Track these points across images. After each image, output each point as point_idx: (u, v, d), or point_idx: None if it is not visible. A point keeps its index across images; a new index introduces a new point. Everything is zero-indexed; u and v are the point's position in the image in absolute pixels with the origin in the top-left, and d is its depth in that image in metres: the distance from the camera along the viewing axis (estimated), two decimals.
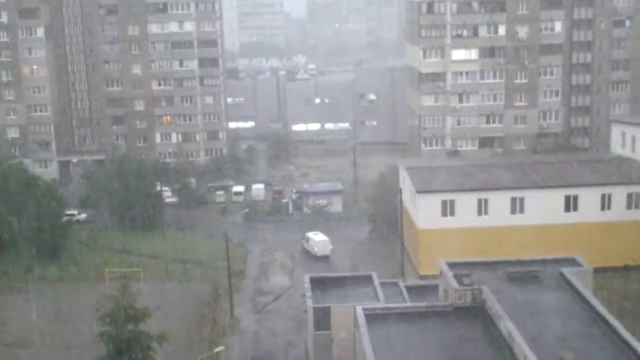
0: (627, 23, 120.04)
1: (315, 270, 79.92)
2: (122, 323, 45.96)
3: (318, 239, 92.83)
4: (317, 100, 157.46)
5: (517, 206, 76.45)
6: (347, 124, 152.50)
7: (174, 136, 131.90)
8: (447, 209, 76.28)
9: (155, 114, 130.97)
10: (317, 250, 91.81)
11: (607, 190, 76.42)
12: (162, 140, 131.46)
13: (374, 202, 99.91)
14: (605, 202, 76.39)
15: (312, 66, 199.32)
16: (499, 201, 76.31)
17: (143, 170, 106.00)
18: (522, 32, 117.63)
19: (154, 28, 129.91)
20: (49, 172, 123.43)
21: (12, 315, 73.50)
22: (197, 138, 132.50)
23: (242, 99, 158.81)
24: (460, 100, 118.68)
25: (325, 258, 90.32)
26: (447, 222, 75.92)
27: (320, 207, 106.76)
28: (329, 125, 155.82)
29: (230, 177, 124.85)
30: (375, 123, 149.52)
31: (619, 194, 76.28)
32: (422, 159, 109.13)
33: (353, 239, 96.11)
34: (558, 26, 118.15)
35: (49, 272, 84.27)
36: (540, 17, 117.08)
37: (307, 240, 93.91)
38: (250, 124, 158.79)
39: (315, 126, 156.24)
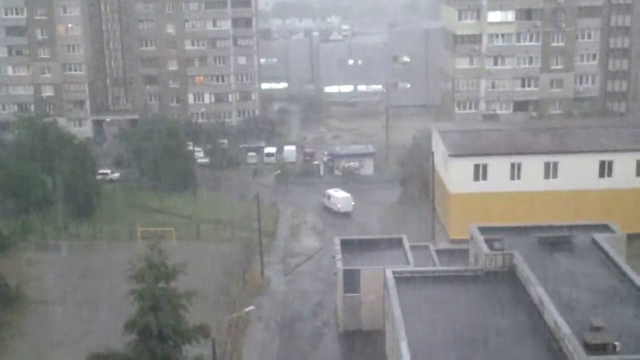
0: None
1: (346, 232, 79.88)
2: (154, 281, 46.36)
3: (340, 196, 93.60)
4: (350, 62, 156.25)
5: (550, 171, 75.66)
6: (380, 86, 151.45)
7: (206, 97, 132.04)
8: (480, 173, 75.73)
9: (188, 74, 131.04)
10: (340, 207, 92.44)
11: None
12: (194, 100, 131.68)
13: (406, 165, 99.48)
14: None
15: (345, 27, 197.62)
16: (532, 166, 75.56)
17: (175, 130, 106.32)
18: None
19: None
20: (83, 131, 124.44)
21: (47, 272, 74.56)
22: (230, 99, 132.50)
23: (274, 60, 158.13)
24: (496, 63, 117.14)
25: (353, 219, 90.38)
26: (479, 186, 75.40)
27: (352, 170, 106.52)
28: (362, 87, 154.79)
29: (262, 139, 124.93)
30: (408, 85, 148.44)
31: None
32: (456, 123, 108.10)
33: (384, 201, 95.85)
34: None
35: (83, 231, 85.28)
36: None
37: (329, 197, 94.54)
38: (282, 85, 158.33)
39: (348, 88, 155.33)
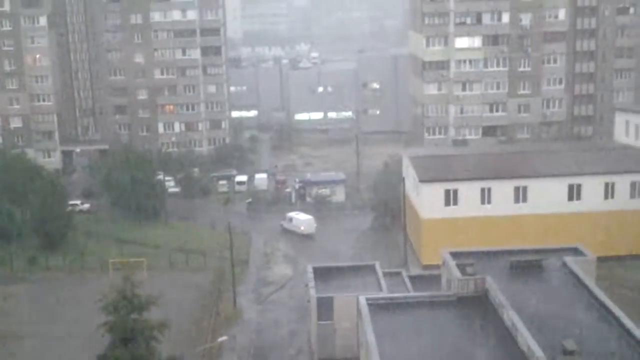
0: (632, 10, 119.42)
1: (319, 259, 79.87)
2: (126, 312, 45.99)
3: (303, 218, 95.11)
4: (320, 89, 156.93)
5: (520, 195, 76.31)
6: (350, 113, 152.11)
7: (176, 125, 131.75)
8: (450, 198, 76.18)
9: (158, 103, 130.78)
10: (304, 229, 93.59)
11: (610, 179, 76.21)
12: (165, 129, 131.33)
13: (377, 191, 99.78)
14: (609, 191, 76.19)
15: (315, 54, 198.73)
16: (502, 190, 76.17)
17: (146, 160, 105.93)
18: (526, 19, 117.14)
19: (156, 16, 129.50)
20: (52, 161, 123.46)
21: (16, 306, 73.55)
22: (200, 127, 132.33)
23: (244, 87, 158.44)
24: (464, 89, 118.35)
25: (325, 246, 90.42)
26: (450, 211, 75.82)
27: (323, 197, 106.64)
28: (332, 114, 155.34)
29: (233, 167, 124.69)
30: (378, 112, 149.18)
31: (623, 183, 76.08)
32: (425, 148, 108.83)
33: (356, 228, 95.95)
34: (562, 13, 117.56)
35: (53, 262, 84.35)
36: (544, 4, 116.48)
37: (290, 220, 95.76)
38: (253, 113, 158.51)
39: (318, 115, 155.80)
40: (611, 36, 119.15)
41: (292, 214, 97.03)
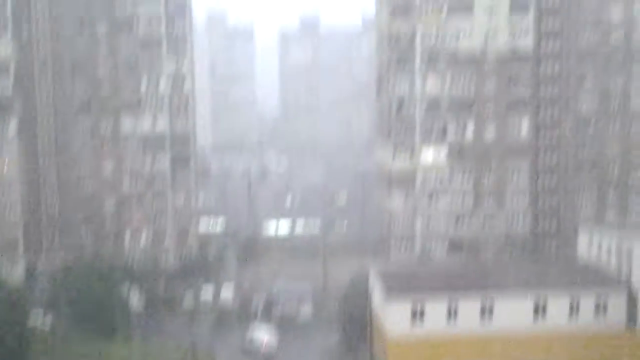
0: (592, 125, 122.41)
1: None
2: None
3: (263, 338, 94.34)
4: (288, 198, 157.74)
5: (486, 313, 76.01)
6: (317, 222, 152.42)
7: (143, 235, 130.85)
8: (417, 315, 75.71)
9: (125, 212, 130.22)
10: (264, 349, 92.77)
11: (574, 296, 76.29)
12: (131, 240, 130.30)
13: (344, 306, 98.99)
14: (574, 309, 76.21)
15: (283, 165, 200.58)
16: (469, 307, 75.83)
17: (110, 273, 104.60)
18: (490, 133, 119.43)
19: (126, 125, 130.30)
20: (14, 274, 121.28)
21: None
22: (167, 238, 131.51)
23: (213, 197, 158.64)
24: (430, 201, 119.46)
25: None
26: (416, 328, 75.23)
27: (289, 311, 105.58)
28: (300, 224, 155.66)
29: (199, 279, 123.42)
30: (345, 222, 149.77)
31: (587, 301, 76.16)
32: (392, 262, 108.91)
33: (321, 345, 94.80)
34: (524, 128, 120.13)
35: None
36: (507, 118, 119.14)
37: (251, 340, 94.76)
38: (221, 221, 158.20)
39: (286, 225, 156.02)
40: (573, 150, 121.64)
41: (252, 334, 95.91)
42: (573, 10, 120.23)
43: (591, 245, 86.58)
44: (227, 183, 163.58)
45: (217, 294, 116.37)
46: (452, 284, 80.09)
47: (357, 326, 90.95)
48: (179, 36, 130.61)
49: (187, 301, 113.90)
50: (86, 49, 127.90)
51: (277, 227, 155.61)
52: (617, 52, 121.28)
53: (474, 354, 71.35)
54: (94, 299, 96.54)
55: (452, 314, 75.94)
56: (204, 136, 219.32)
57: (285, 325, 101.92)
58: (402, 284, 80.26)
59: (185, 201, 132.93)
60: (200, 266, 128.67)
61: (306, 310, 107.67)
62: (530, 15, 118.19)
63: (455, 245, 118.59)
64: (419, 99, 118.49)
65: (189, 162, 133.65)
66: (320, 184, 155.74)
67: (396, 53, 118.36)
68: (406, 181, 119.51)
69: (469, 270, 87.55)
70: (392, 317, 76.39)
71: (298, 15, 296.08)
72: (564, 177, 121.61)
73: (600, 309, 76.01)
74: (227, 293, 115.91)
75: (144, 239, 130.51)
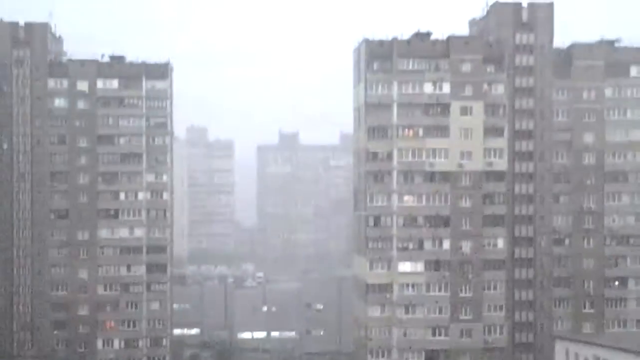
0: (567, 241, 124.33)
1: None
2: None
3: None
4: (265, 309, 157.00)
5: None
6: (293, 333, 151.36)
7: (116, 342, 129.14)
8: None
9: (98, 319, 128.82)
10: None
11: None
12: (103, 346, 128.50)
13: None
14: None
15: (260, 274, 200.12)
16: None
17: None
18: (466, 246, 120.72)
19: (103, 233, 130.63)
20: None
21: None
22: (140, 344, 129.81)
23: (188, 305, 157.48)
24: (407, 312, 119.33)
25: None
26: None
27: None
28: (275, 334, 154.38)
29: None
30: (321, 333, 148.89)
31: None
32: None
33: None
34: (500, 242, 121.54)
35: None
36: (483, 233, 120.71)
37: None
38: (195, 331, 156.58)
39: (261, 334, 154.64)
40: (548, 266, 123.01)
41: None
42: (546, 134, 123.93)
43: (568, 358, 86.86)
44: (203, 293, 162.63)
45: None
46: None
47: None
48: (159, 149, 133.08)
49: None
50: (66, 161, 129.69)
51: (253, 337, 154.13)
52: (590, 173, 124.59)
53: None
54: None
55: None
56: (180, 245, 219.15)
57: None
58: None
59: (160, 308, 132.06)
60: None
61: None
62: (504, 137, 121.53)
63: (432, 356, 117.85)
64: (396, 213, 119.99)
65: (165, 269, 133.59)
66: (296, 295, 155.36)
67: (373, 169, 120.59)
68: (383, 292, 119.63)
69: None
70: None
71: (277, 130, 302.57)
72: (540, 291, 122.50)
73: None
74: None
75: (117, 344, 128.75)
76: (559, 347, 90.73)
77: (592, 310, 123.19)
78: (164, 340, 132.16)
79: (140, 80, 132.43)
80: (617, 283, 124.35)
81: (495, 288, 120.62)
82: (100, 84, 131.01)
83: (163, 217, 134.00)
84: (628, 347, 75.00)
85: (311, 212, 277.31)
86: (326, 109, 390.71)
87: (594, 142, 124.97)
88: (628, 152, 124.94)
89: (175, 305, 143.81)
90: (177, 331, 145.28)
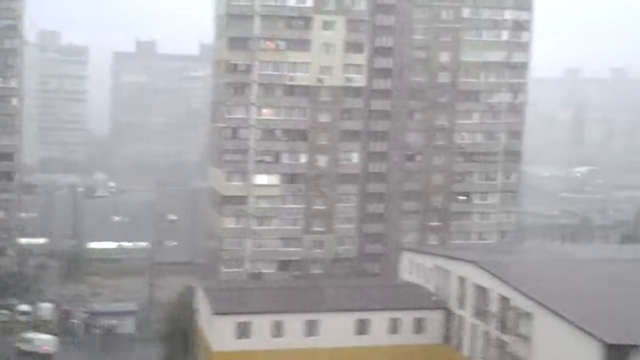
0: (418, 157, 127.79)
1: None
2: None
3: (45, 337, 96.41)
4: (116, 219, 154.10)
5: (311, 329, 77.16)
6: (145, 244, 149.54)
7: None
8: (243, 330, 75.71)
9: None
10: (48, 348, 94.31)
11: (395, 314, 78.93)
12: None
13: (169, 323, 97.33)
14: (394, 326, 78.79)
15: (112, 184, 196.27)
16: (294, 324, 76.66)
17: None
18: (322, 161, 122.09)
19: None
20: None
21: None
22: None
23: (36, 214, 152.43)
24: (261, 224, 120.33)
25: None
26: (242, 344, 75.07)
27: (112, 328, 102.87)
28: (127, 244, 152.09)
29: (16, 296, 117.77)
30: (175, 243, 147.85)
31: (406, 319, 79.01)
32: (221, 281, 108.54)
33: (141, 357, 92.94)
34: (355, 157, 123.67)
35: None
36: (339, 148, 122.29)
37: (30, 341, 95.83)
38: (43, 240, 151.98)
39: (112, 245, 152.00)
40: (400, 180, 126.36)
41: (30, 335, 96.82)
42: (405, 51, 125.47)
43: (412, 267, 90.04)
44: (52, 202, 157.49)
45: (34, 309, 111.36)
46: (279, 302, 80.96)
47: (181, 341, 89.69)
48: (8, 53, 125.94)
49: (3, 316, 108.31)
50: None
51: (103, 247, 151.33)
52: (444, 92, 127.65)
53: None
54: None
55: (278, 330, 76.53)
56: (30, 153, 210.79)
57: (107, 341, 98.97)
58: (228, 301, 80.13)
59: (7, 216, 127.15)
60: (19, 282, 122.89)
61: (130, 325, 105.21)
62: (364, 54, 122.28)
63: (284, 266, 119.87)
64: (254, 126, 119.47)
65: (12, 177, 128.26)
66: (150, 206, 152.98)
67: (233, 80, 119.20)
68: (238, 204, 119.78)
69: (295, 289, 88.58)
70: (217, 332, 75.98)
71: (134, 38, 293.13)
72: (390, 204, 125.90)
73: (419, 324, 79.06)
74: (46, 309, 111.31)
75: None
76: (404, 258, 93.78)
77: (439, 223, 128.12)
78: (9, 249, 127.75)
79: None
80: (462, 198, 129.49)
81: (348, 201, 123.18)
82: None
83: (12, 124, 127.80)
84: (463, 257, 79.32)
85: (168, 122, 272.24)
86: (186, 19, 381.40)
87: (449, 61, 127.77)
88: (481, 72, 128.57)
89: (22, 214, 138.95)
90: (24, 240, 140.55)
